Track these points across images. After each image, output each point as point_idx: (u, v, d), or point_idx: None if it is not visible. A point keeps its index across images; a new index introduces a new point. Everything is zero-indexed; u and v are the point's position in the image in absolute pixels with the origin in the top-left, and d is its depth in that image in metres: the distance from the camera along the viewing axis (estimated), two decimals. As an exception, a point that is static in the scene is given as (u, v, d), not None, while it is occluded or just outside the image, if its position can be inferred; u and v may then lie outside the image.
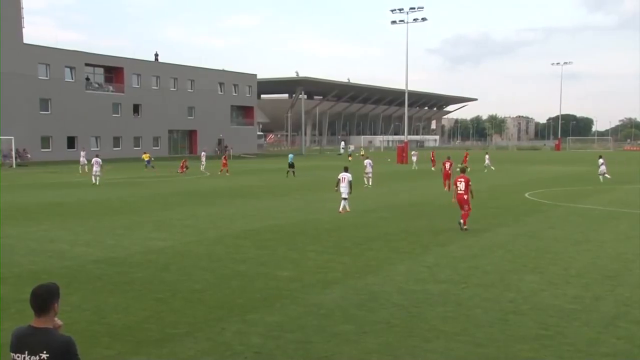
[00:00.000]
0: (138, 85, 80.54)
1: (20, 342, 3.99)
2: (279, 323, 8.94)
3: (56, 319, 4.09)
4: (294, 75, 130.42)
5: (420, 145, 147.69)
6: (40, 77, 68.46)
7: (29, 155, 63.95)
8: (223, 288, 11.07)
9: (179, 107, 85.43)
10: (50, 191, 31.44)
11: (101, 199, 27.73)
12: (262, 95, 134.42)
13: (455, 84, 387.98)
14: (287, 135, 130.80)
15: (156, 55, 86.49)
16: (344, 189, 22.30)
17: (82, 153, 49.64)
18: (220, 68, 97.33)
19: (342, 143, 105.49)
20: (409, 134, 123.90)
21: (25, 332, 4.01)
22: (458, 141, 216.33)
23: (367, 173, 34.27)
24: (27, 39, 67.66)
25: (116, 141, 77.36)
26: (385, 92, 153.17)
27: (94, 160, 36.76)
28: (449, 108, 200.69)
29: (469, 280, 11.61)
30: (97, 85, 76.87)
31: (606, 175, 37.49)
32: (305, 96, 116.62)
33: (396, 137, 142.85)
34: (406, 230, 17.95)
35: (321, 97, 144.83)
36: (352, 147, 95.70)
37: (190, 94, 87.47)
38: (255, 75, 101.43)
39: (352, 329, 8.65)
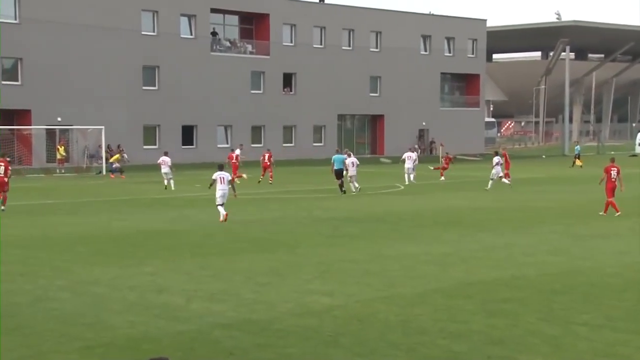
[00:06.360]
0: (291, 42, 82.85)
1: None
2: None
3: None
4: (552, 20, 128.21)
5: None
6: (144, 32, 72.71)
7: (125, 156, 67.74)
8: (429, 379, 11.18)
9: (357, 78, 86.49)
10: (160, 212, 33.66)
11: (235, 225, 29.10)
12: (495, 56, 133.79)
13: None
14: (537, 123, 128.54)
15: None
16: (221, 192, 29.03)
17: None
18: (426, 11, 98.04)
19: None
20: None
21: None
22: None
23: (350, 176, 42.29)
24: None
25: (256, 133, 79.39)
26: None
27: (162, 159, 45.85)
28: None
29: None
30: (228, 44, 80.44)
31: None
32: (573, 55, 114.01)
33: None
34: None
35: (602, 55, 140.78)
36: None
37: (374, 56, 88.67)
38: (485, 21, 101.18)
39: None
